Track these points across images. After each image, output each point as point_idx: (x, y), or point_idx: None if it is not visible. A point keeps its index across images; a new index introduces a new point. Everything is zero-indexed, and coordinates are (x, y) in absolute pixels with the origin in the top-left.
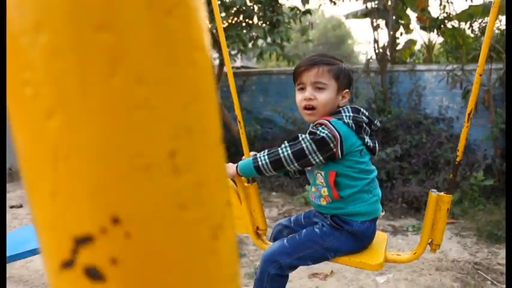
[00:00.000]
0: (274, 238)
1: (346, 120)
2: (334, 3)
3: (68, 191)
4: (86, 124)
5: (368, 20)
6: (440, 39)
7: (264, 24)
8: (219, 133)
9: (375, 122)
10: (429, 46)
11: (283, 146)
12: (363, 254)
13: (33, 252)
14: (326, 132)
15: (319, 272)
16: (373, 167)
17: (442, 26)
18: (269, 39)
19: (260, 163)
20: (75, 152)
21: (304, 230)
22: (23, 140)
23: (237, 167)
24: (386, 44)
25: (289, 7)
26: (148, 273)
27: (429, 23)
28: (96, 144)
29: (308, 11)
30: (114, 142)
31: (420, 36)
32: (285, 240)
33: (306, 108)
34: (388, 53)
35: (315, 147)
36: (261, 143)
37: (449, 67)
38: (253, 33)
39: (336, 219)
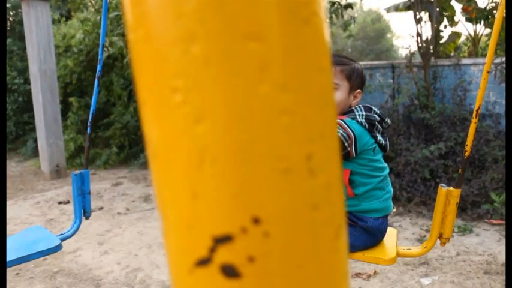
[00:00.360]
0: None
1: (359, 120)
2: None
3: (211, 192)
4: (233, 129)
5: (409, 13)
6: (487, 31)
7: None
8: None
9: (386, 119)
10: (475, 39)
11: None
12: (376, 249)
13: (43, 253)
14: (341, 131)
15: (362, 272)
16: (386, 165)
17: (489, 16)
18: None
19: None
20: (222, 155)
21: None
22: (168, 144)
23: None
24: (429, 38)
25: (330, 1)
26: (281, 271)
27: (476, 14)
28: (241, 148)
29: (349, 5)
30: (258, 146)
31: (465, 29)
32: None
33: None
34: (431, 46)
35: None
36: None
37: (497, 60)
38: None
39: (350, 216)
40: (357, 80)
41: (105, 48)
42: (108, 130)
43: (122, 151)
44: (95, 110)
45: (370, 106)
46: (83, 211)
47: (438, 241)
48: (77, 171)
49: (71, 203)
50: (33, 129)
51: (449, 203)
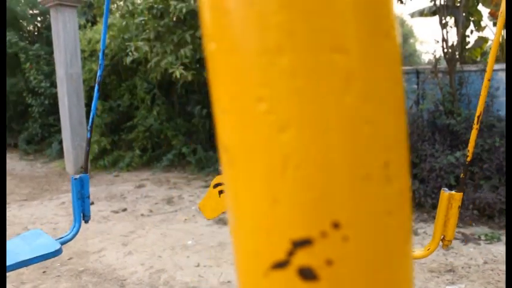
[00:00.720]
0: None
1: None
2: (402, 2)
3: (292, 198)
4: (317, 137)
5: (433, 18)
6: None
7: None
8: None
9: None
10: (502, 44)
11: None
12: None
13: (43, 257)
14: None
15: None
16: None
17: None
18: None
19: None
20: (305, 162)
21: None
22: (250, 151)
23: None
24: (455, 43)
25: None
26: (357, 274)
27: None
28: (324, 156)
29: None
30: (340, 154)
31: (492, 33)
32: None
33: None
34: (457, 52)
35: None
36: None
37: None
38: None
39: None
40: None
41: (129, 53)
42: (131, 133)
43: (144, 154)
44: (95, 115)
45: None
46: (82, 215)
47: (441, 243)
48: (77, 176)
49: (95, 204)
50: (59, 132)
51: (451, 206)
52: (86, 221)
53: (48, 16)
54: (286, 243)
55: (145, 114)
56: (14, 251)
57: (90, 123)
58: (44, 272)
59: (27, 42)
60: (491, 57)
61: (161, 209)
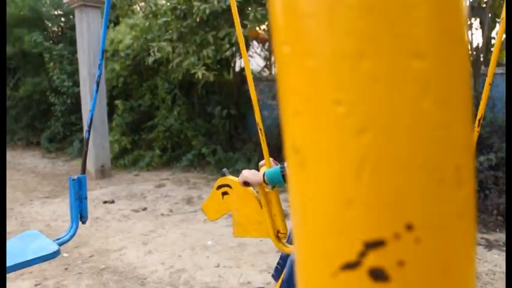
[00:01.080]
0: (289, 238)
1: None
2: None
3: (366, 200)
4: (394, 141)
5: None
6: None
7: None
8: None
9: None
10: None
11: None
12: None
13: (42, 259)
14: None
15: None
16: None
17: None
18: None
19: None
20: (381, 165)
21: None
22: (324, 153)
23: (263, 175)
24: (480, 45)
25: None
26: (427, 275)
27: None
28: (400, 159)
29: None
30: (416, 157)
31: None
32: None
33: None
34: (482, 54)
35: None
36: None
37: None
38: None
39: None
40: None
41: (151, 53)
42: (151, 133)
43: (164, 153)
44: (93, 116)
45: None
46: (79, 215)
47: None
48: (75, 176)
49: (116, 203)
50: (80, 130)
51: None
52: (84, 222)
53: (71, 17)
54: (358, 245)
55: (166, 114)
56: (12, 252)
57: (88, 124)
58: (66, 268)
59: (51, 42)
60: (492, 61)
61: (181, 208)
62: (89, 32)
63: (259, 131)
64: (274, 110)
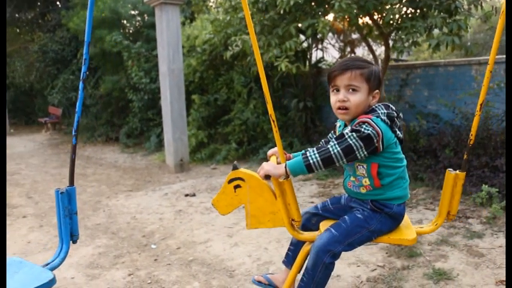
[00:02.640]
0: (303, 226)
1: (382, 117)
2: None
3: None
4: None
5: None
6: None
7: (440, 13)
8: None
9: (400, 114)
10: None
11: (331, 143)
12: (397, 232)
13: None
14: (370, 129)
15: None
16: (403, 155)
17: None
18: (445, 29)
19: (311, 161)
20: None
21: (346, 217)
22: None
23: (285, 166)
24: None
25: None
26: None
27: None
28: None
29: None
30: None
31: None
32: (332, 230)
33: (339, 108)
34: None
35: (362, 144)
36: (426, 139)
37: None
38: (429, 23)
39: (376, 204)
40: (375, 82)
41: (229, 48)
42: (227, 126)
43: (240, 147)
44: (79, 117)
45: (388, 104)
46: (70, 235)
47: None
48: (62, 189)
49: (197, 196)
50: (157, 125)
51: (456, 184)
52: (74, 242)
53: (146, 16)
54: None
55: (242, 107)
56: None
57: (75, 127)
58: (155, 260)
59: (129, 41)
60: (493, 50)
61: None
62: (168, 29)
63: (272, 123)
64: None
